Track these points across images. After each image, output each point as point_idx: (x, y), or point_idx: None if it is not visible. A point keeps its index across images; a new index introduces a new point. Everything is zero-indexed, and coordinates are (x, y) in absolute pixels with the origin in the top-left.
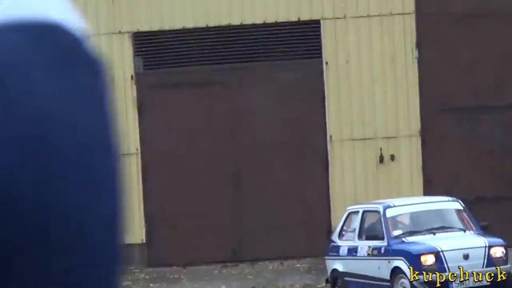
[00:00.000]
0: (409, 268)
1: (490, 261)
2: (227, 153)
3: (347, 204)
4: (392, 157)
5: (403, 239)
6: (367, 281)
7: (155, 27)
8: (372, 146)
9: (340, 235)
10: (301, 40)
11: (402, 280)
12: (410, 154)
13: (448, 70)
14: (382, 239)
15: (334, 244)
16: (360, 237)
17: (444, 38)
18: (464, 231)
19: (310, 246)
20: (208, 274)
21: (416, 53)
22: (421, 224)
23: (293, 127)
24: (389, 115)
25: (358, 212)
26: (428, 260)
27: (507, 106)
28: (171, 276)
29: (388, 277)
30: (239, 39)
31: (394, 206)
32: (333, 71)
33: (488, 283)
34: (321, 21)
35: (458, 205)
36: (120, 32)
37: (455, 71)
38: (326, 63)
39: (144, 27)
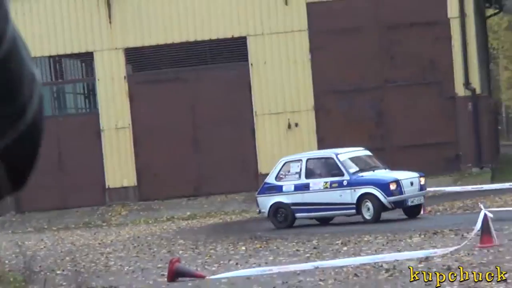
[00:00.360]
0: (380, 192)
1: (421, 187)
2: (190, 125)
3: (268, 157)
4: (296, 125)
5: (359, 174)
6: (324, 207)
7: (139, 44)
8: (283, 118)
9: (278, 178)
10: (235, 50)
11: (367, 203)
12: (308, 122)
13: (331, 65)
14: (341, 175)
15: (271, 185)
16: (308, 177)
17: (328, 45)
18: (385, 169)
19: (244, 185)
20: (178, 205)
21: (309, 56)
22: (360, 165)
23: (231, 107)
24: (293, 96)
25: (299, 160)
26: (394, 186)
27: (372, 88)
28: (154, 207)
29: (353, 202)
30: (195, 50)
31: (340, 153)
32: (255, 70)
33: (419, 203)
34: (247, 37)
35: (369, 152)
36: (116, 48)
37: (336, 66)
38: (251, 64)
39: (132, 44)
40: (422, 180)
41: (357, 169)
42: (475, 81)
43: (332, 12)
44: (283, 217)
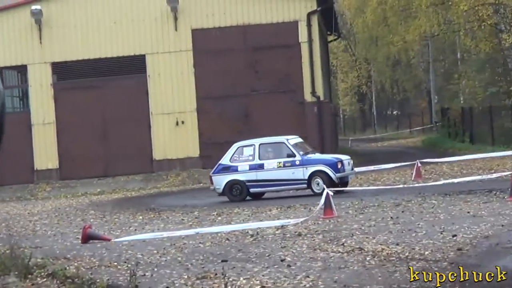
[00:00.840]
0: (330, 170)
1: (351, 167)
2: (100, 121)
3: (161, 147)
4: (183, 122)
5: (307, 155)
6: (278, 183)
7: (63, 59)
8: (172, 117)
9: (232, 160)
10: (136, 64)
11: (317, 179)
12: (191, 120)
13: (210, 77)
14: (293, 156)
15: (225, 165)
16: (262, 158)
17: (207, 62)
18: (320, 153)
19: (142, 168)
20: (90, 183)
21: (193, 70)
22: (302, 149)
23: (133, 108)
24: (180, 100)
25: (252, 145)
26: (340, 165)
27: (240, 95)
28: (71, 185)
29: (305, 178)
30: (105, 64)
31: (289, 139)
32: (152, 80)
33: (350, 180)
34: (146, 55)
35: (302, 139)
36: (45, 62)
37: (213, 78)
38: (149, 75)
39: (57, 59)
40: (351, 162)
41: (304, 151)
42: (320, 90)
43: (211, 37)
44: (238, 192)
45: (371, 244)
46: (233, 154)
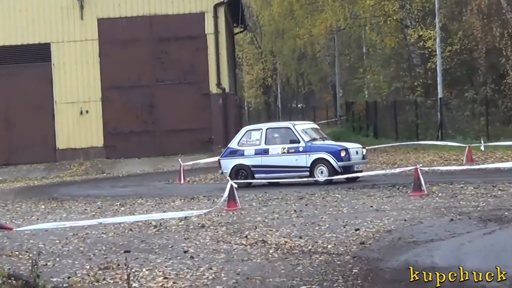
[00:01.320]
0: (332, 158)
1: (363, 156)
2: (4, 109)
3: (64, 136)
4: (87, 112)
5: (313, 142)
6: (282, 169)
7: None
8: (77, 106)
9: (240, 144)
10: (41, 53)
11: (321, 167)
12: (96, 110)
13: (115, 67)
14: (298, 142)
15: (233, 149)
16: (268, 143)
17: (113, 52)
18: (331, 140)
19: (45, 157)
20: None
21: (98, 59)
22: (311, 135)
23: (37, 97)
24: (85, 90)
25: (260, 129)
26: (343, 153)
27: (146, 86)
28: None
29: (308, 165)
30: (10, 52)
31: (296, 124)
32: (57, 69)
33: (361, 169)
34: (51, 43)
35: (317, 126)
36: None
37: (118, 68)
38: (53, 64)
39: None
40: (364, 151)
41: (310, 138)
42: (225, 82)
43: (117, 26)
44: (244, 177)
45: (274, 237)
46: (241, 138)
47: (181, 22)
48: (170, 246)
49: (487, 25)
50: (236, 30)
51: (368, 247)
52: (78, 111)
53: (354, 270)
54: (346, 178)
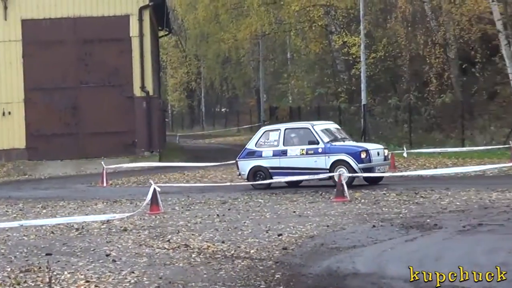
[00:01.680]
0: (352, 160)
1: (385, 157)
2: None
3: (9, 137)
4: (9, 113)
5: (332, 143)
6: (300, 171)
7: None
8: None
9: (258, 145)
10: None
11: (341, 168)
12: (19, 111)
13: (39, 69)
14: (317, 143)
15: (251, 150)
16: (286, 144)
17: (37, 53)
18: (354, 140)
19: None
20: None
21: (22, 60)
22: (331, 136)
23: None
24: (8, 91)
25: (278, 129)
26: (364, 154)
27: (69, 88)
28: None
29: (327, 167)
30: None
31: (315, 125)
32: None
33: (385, 170)
34: None
35: (338, 126)
36: None
37: (42, 69)
38: None
39: None
40: (386, 152)
41: (330, 138)
42: (149, 85)
43: (41, 28)
44: (262, 179)
45: (197, 241)
46: (259, 139)
47: (106, 25)
48: (92, 249)
49: (411, 33)
50: (161, 33)
51: (290, 252)
52: (0, 112)
53: (277, 276)
54: (367, 180)
